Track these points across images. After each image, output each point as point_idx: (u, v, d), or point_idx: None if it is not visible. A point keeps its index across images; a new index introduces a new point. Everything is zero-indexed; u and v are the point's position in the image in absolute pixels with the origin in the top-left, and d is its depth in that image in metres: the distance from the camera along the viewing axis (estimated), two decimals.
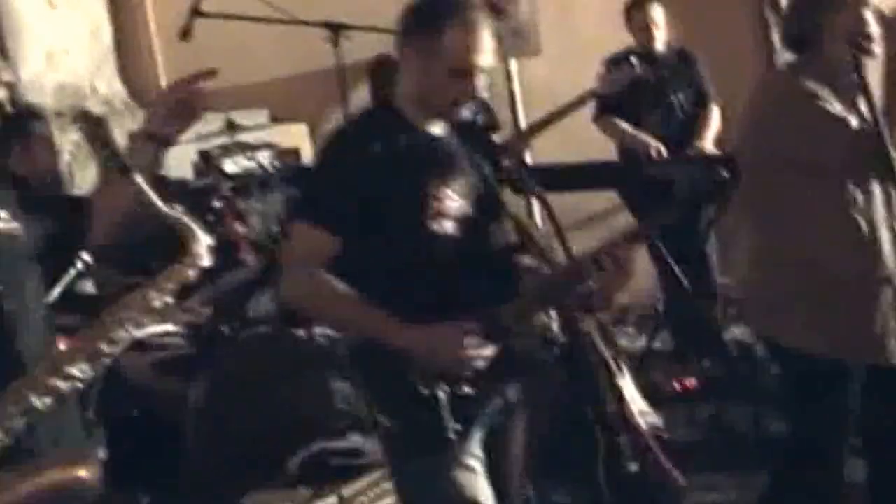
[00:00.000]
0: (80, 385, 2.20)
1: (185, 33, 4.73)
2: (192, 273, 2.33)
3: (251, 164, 5.78)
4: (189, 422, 3.92)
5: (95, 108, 6.53)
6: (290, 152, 6.43)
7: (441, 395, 2.53)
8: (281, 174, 5.76)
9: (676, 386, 5.06)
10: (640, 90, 5.55)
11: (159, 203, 2.30)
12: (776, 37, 5.82)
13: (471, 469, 2.63)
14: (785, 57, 4.12)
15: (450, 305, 2.58)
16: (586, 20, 6.61)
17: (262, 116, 6.72)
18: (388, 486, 3.48)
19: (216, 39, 6.74)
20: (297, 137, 6.72)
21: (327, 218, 2.62)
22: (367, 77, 6.69)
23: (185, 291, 2.35)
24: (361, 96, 6.80)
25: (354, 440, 3.87)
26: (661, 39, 5.63)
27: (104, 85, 6.79)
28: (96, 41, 6.78)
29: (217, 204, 4.90)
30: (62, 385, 2.17)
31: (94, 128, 2.48)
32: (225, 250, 4.68)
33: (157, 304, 2.30)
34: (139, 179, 2.27)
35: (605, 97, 5.47)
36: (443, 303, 2.59)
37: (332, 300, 2.63)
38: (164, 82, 6.97)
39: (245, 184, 5.55)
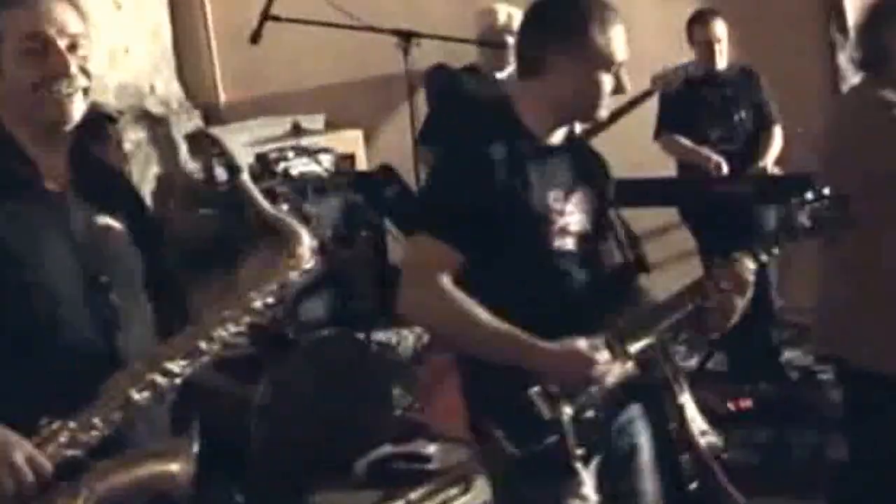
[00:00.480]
0: (177, 381, 2.21)
1: (256, 37, 4.76)
2: (294, 275, 2.34)
3: (307, 169, 5.81)
4: (253, 422, 3.93)
5: (154, 107, 6.58)
6: (345, 158, 6.44)
7: (565, 418, 2.46)
8: (336, 179, 5.78)
9: (731, 407, 5.02)
10: (701, 107, 5.56)
11: (264, 203, 2.31)
12: (842, 58, 5.79)
13: (586, 499, 2.51)
14: (852, 79, 4.12)
15: (570, 325, 2.51)
16: (645, 34, 6.59)
17: (317, 122, 6.73)
18: (454, 492, 3.49)
19: (273, 43, 6.84)
20: (352, 143, 6.73)
21: (449, 231, 2.52)
22: (423, 85, 6.75)
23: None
24: (416, 104, 6.86)
25: (421, 445, 3.88)
26: (722, 56, 5.61)
27: (162, 85, 6.83)
28: (156, 41, 6.82)
29: (282, 206, 4.91)
30: (161, 380, 2.18)
31: (202, 137, 2.51)
32: None
33: (257, 304, 2.30)
34: (247, 180, 2.29)
35: (664, 105, 5.50)
36: (564, 322, 2.52)
37: (461, 317, 2.51)
38: (220, 84, 7.02)
39: (301, 187, 5.57)
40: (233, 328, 2.25)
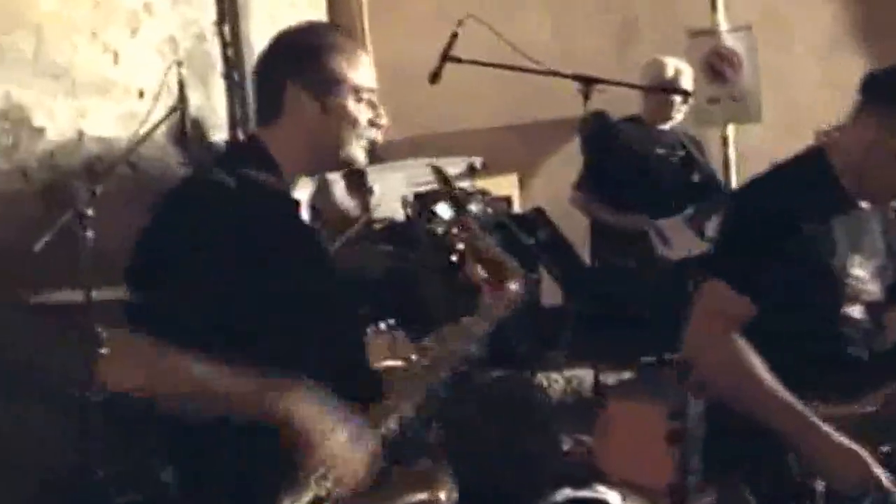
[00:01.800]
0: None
1: (435, 77, 4.83)
2: (505, 310, 2.36)
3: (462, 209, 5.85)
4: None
5: None
6: (502, 200, 6.49)
7: (819, 488, 2.43)
8: (495, 221, 5.83)
9: None
10: None
11: (480, 236, 2.36)
12: None
13: None
14: None
15: (841, 393, 2.48)
16: (806, 89, 6.58)
17: (475, 164, 6.79)
18: None
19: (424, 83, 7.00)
20: (508, 187, 6.79)
21: (749, 282, 2.49)
22: (578, 132, 6.79)
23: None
24: (569, 151, 6.91)
25: (601, 491, 3.86)
26: None
27: None
28: None
29: (460, 246, 4.95)
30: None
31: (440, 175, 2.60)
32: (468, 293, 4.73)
33: (479, 333, 2.34)
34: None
35: None
36: (834, 389, 2.48)
37: (751, 379, 2.48)
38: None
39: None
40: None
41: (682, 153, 5.65)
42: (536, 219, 6.26)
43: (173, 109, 4.55)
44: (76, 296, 4.27)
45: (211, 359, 2.11)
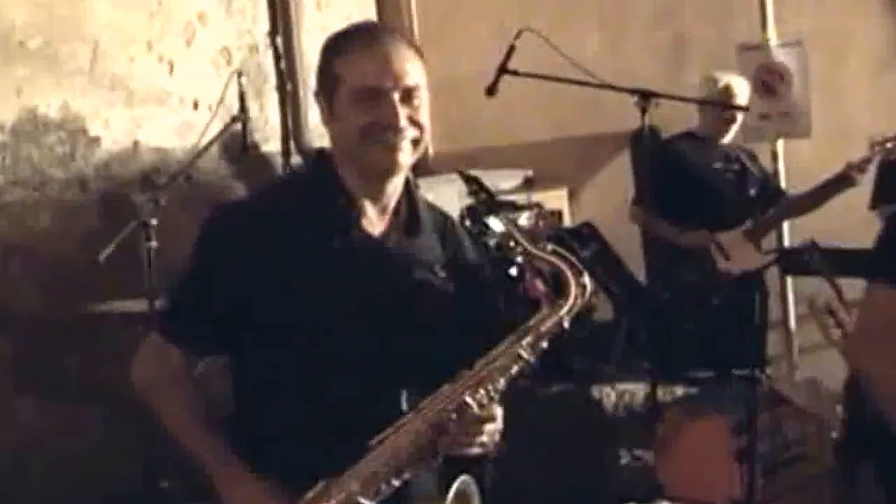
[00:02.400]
0: None
1: (492, 90, 4.82)
2: (567, 316, 2.31)
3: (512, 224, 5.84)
4: (488, 474, 3.92)
5: None
6: (553, 214, 6.47)
7: None
8: (547, 234, 5.81)
9: None
10: None
11: (529, 245, 2.32)
12: None
13: None
14: None
15: None
16: (856, 104, 6.55)
17: (521, 177, 6.79)
18: None
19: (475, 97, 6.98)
20: (558, 200, 6.78)
21: None
22: (628, 146, 6.79)
23: None
24: (618, 166, 6.90)
25: None
26: None
27: None
28: None
29: (519, 260, 4.94)
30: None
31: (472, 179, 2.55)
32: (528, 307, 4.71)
33: (524, 351, 2.29)
34: (509, 226, 2.33)
35: (884, 173, 5.40)
36: None
37: None
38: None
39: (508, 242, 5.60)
40: (500, 380, 2.24)
41: (737, 167, 5.65)
42: (587, 233, 6.25)
43: (234, 120, 4.55)
44: (136, 305, 4.28)
45: (197, 410, 2.27)
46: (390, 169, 2.25)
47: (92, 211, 5.02)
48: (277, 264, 2.21)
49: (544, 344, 2.25)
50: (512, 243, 2.30)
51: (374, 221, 2.31)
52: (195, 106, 5.51)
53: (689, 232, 5.50)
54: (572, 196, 6.94)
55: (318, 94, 2.33)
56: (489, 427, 2.22)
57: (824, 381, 4.66)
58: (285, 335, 2.21)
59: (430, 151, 7.14)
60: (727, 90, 5.55)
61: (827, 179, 5.44)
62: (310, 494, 2.14)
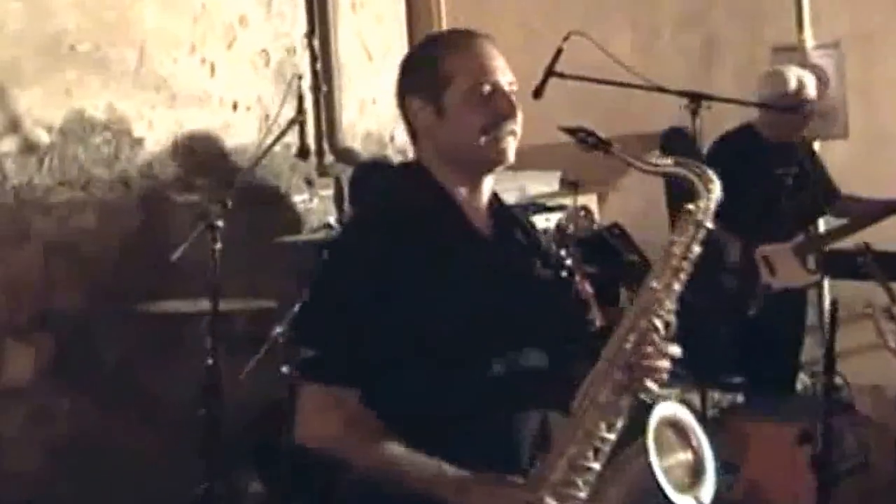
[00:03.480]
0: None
1: (538, 92, 4.81)
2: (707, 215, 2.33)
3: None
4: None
5: (393, 156, 6.72)
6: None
7: None
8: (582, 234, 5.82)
9: None
10: None
11: (641, 163, 2.36)
12: None
13: None
14: None
15: None
16: (892, 106, 6.54)
17: (553, 178, 6.79)
18: None
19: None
20: (587, 202, 6.76)
21: None
22: (659, 148, 6.76)
23: None
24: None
25: None
26: None
27: (400, 134, 6.98)
28: None
29: (569, 262, 4.93)
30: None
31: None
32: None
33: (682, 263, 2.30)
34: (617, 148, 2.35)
35: None
36: None
37: None
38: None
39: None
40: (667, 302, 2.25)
41: (797, 170, 5.35)
42: (616, 233, 6.24)
43: (292, 122, 4.54)
44: (181, 306, 4.29)
45: (394, 441, 2.17)
46: (504, 160, 2.30)
47: (134, 211, 5.01)
48: (413, 277, 2.22)
49: (697, 249, 2.29)
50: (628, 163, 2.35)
51: (476, 219, 2.35)
52: (234, 107, 5.51)
53: (730, 240, 5.22)
54: (601, 198, 6.92)
55: (413, 96, 2.33)
56: (673, 352, 2.23)
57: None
58: (439, 343, 2.22)
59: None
60: (801, 87, 5.25)
61: (887, 203, 5.21)
62: (534, 470, 2.17)
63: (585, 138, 2.38)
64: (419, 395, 2.22)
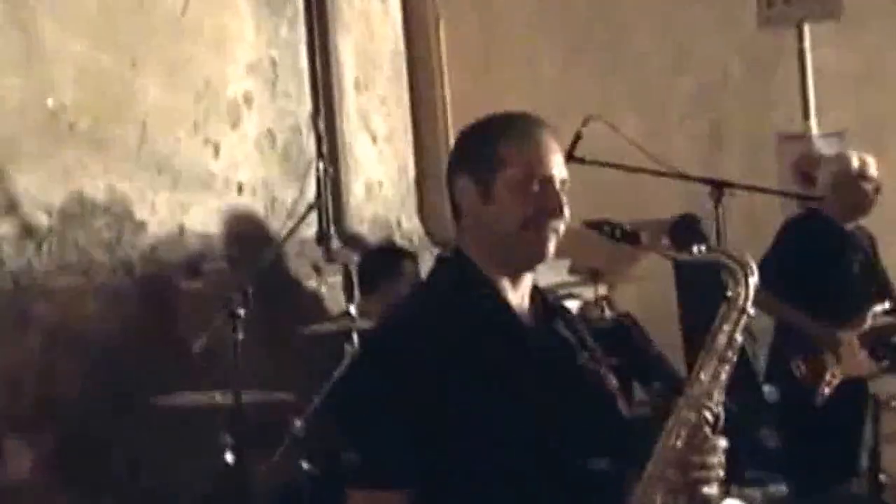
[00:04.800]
0: None
1: None
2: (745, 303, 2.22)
3: None
4: None
5: (400, 241, 6.59)
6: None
7: None
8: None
9: None
10: None
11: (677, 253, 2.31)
12: None
13: None
14: None
15: None
16: None
17: (563, 267, 6.66)
18: None
19: None
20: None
21: None
22: (667, 234, 6.67)
23: None
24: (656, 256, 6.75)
25: None
26: None
27: (406, 219, 6.86)
28: (403, 177, 6.86)
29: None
30: None
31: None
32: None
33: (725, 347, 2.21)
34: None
35: None
36: None
37: None
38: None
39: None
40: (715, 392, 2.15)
41: (862, 257, 5.29)
42: (627, 324, 6.12)
43: (311, 207, 4.40)
44: (195, 399, 4.10)
45: None
46: (542, 258, 2.21)
47: (136, 297, 4.83)
48: (460, 374, 2.10)
49: (739, 339, 2.19)
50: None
51: (521, 313, 2.24)
52: (239, 190, 5.36)
53: (818, 324, 5.07)
54: (610, 286, 6.80)
55: (462, 174, 2.23)
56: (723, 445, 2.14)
57: None
58: (496, 447, 2.10)
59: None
60: (864, 164, 5.24)
61: None
62: None
63: (612, 231, 2.29)
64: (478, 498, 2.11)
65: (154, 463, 4.59)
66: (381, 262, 4.96)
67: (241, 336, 3.75)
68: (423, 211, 7.03)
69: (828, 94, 6.60)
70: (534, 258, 2.21)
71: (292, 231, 4.33)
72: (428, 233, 6.99)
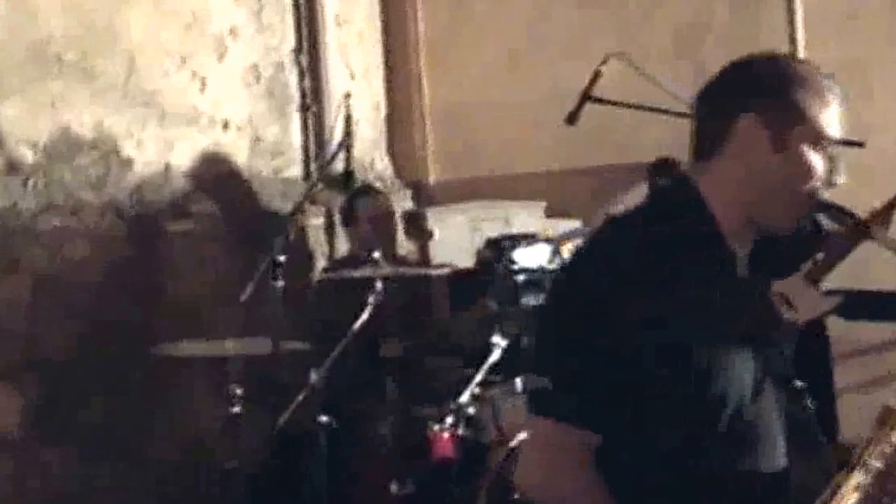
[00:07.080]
0: None
1: (573, 118, 4.52)
2: None
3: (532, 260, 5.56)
4: None
5: (374, 182, 6.36)
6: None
7: None
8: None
9: None
10: None
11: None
12: None
13: None
14: None
15: None
16: (883, 138, 6.43)
17: (538, 209, 6.50)
18: None
19: (481, 125, 6.63)
20: None
21: None
22: (646, 177, 6.53)
23: None
24: (637, 195, 6.61)
25: None
26: None
27: (378, 159, 6.63)
28: (377, 115, 6.62)
29: None
30: None
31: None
32: None
33: None
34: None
35: None
36: None
37: None
38: (431, 164, 6.79)
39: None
40: None
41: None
42: None
43: (341, 146, 4.15)
44: (193, 348, 3.90)
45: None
46: (794, 227, 2.17)
47: (124, 239, 4.58)
48: (674, 302, 1.98)
49: None
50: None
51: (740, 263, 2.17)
52: (224, 126, 5.10)
53: None
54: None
55: (750, 114, 2.04)
56: None
57: None
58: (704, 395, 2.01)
59: (431, 178, 6.83)
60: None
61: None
62: None
63: (842, 219, 2.15)
64: (672, 451, 1.99)
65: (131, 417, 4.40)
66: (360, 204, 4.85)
67: (281, 283, 3.52)
68: (392, 150, 6.80)
69: (814, 34, 6.50)
70: (787, 223, 2.12)
71: (322, 171, 4.09)
72: (398, 173, 6.77)
